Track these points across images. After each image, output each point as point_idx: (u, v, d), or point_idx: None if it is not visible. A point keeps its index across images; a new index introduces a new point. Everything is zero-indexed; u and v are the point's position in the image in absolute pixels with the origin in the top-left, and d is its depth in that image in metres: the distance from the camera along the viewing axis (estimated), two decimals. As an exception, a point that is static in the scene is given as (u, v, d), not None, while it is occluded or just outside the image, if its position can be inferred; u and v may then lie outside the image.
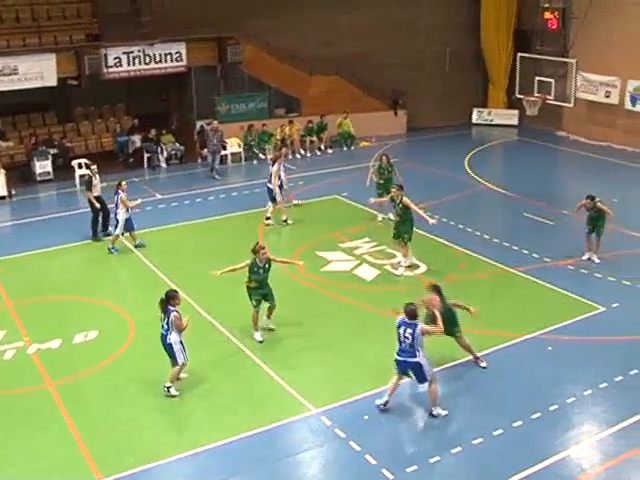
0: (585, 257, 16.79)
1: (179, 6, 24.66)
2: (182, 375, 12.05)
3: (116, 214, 17.93)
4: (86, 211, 19.17)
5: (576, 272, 16.35)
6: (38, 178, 23.81)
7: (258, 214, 20.07)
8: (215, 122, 25.09)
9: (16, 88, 22.97)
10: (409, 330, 10.85)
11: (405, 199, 16.19)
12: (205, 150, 25.26)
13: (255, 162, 26.18)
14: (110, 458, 10.33)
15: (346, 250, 17.83)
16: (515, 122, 31.21)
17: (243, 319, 13.69)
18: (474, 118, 31.74)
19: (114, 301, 15.28)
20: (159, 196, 22.32)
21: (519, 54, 30.12)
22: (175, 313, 11.65)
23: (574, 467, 10.16)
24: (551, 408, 11.34)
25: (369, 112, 28.77)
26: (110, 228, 18.63)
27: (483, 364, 12.51)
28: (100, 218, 18.80)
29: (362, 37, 28.44)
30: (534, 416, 11.12)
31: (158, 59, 25.07)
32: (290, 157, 25.40)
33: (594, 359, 12.83)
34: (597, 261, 16.64)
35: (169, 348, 11.76)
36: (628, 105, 26.87)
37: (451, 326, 12.02)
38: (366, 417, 11.17)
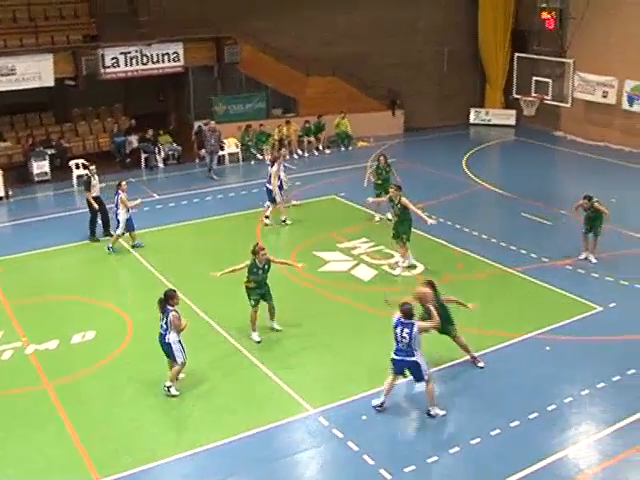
0: (582, 257, 16.82)
1: (177, 6, 24.66)
2: (180, 375, 12.04)
3: (116, 214, 17.93)
4: (84, 211, 19.13)
5: (574, 272, 16.38)
6: (35, 178, 23.75)
7: (256, 214, 20.08)
8: (213, 122, 25.06)
9: (13, 88, 22.96)
10: (406, 330, 10.86)
11: (404, 199, 16.18)
12: (203, 150, 25.23)
13: (253, 162, 26.17)
14: (108, 458, 10.33)
15: (344, 250, 17.83)
16: (512, 122, 31.20)
17: (241, 319, 13.71)
18: (472, 118, 31.72)
19: (112, 301, 15.27)
20: (156, 196, 22.29)
21: (516, 54, 30.19)
22: (174, 313, 11.67)
23: (572, 467, 10.18)
24: (549, 408, 11.36)
25: (367, 112, 28.76)
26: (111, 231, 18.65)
27: (481, 364, 12.52)
28: (99, 219, 18.78)
29: (361, 37, 28.42)
30: (532, 416, 11.14)
31: (155, 59, 25.06)
32: (288, 157, 25.36)
33: (592, 359, 12.85)
34: (594, 261, 16.67)
35: (167, 348, 11.77)
36: (625, 105, 26.90)
37: (446, 324, 12.05)
38: (364, 417, 11.18)
